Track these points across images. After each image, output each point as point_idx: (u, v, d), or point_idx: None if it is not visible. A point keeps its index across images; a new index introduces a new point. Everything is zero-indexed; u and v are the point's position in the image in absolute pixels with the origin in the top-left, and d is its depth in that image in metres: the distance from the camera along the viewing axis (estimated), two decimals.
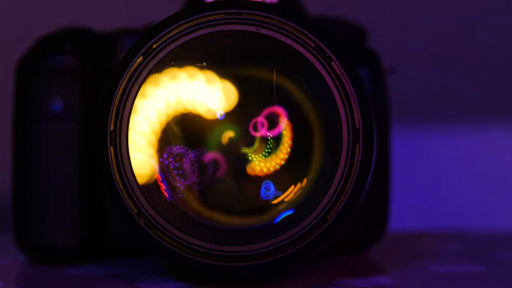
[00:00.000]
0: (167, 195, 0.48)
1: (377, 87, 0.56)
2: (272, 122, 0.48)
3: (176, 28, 0.47)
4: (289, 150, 0.48)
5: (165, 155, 0.48)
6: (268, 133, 0.48)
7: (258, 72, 0.49)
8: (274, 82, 0.48)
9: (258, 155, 0.48)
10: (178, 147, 0.48)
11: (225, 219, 0.49)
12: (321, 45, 0.46)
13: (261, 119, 0.48)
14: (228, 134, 0.48)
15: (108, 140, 0.46)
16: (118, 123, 0.46)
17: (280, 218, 0.47)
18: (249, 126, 0.48)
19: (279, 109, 0.48)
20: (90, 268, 0.54)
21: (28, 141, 0.54)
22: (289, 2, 0.55)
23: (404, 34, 0.93)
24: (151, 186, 0.47)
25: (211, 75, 0.48)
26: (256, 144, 0.48)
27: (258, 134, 0.48)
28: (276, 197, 0.48)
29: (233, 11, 0.46)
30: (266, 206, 0.49)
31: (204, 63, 0.48)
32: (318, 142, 0.48)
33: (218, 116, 0.48)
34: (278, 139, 0.48)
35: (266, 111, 0.48)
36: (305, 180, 0.48)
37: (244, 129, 0.48)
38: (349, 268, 0.54)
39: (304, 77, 0.48)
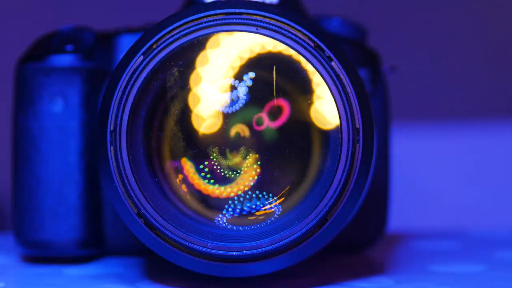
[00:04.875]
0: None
1: (377, 87, 0.56)
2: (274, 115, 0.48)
3: (176, 28, 0.47)
4: (258, 171, 0.48)
5: (158, 173, 0.48)
6: (270, 125, 0.48)
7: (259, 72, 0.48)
8: (274, 81, 0.48)
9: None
10: (176, 162, 0.48)
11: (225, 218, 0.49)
12: (321, 45, 0.46)
13: (263, 114, 0.48)
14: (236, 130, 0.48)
15: (108, 140, 0.46)
16: (118, 123, 0.46)
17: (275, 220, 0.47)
18: (252, 122, 0.48)
19: (281, 102, 0.48)
20: (90, 268, 0.54)
21: (28, 141, 0.54)
22: (289, 2, 0.55)
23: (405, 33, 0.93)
24: (151, 186, 0.47)
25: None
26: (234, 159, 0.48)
27: (261, 128, 0.48)
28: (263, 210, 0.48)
29: (233, 11, 0.46)
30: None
31: None
32: (318, 142, 0.48)
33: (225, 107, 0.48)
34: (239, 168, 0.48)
35: (268, 106, 0.48)
36: (304, 181, 0.48)
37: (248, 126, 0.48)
38: (349, 268, 0.54)
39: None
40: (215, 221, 0.48)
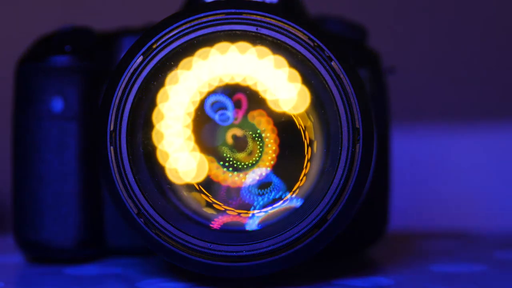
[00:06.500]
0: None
1: (377, 87, 0.56)
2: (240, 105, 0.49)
3: (176, 28, 0.47)
4: (274, 156, 0.48)
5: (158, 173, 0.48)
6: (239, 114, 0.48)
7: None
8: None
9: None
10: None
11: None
12: (321, 45, 0.46)
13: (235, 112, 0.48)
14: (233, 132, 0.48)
15: (108, 140, 0.46)
16: (118, 123, 0.46)
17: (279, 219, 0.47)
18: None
19: (240, 96, 0.48)
20: (90, 268, 0.54)
21: (28, 141, 0.54)
22: (289, 2, 0.55)
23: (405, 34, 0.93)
24: (151, 186, 0.47)
25: None
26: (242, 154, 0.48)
27: (237, 121, 0.48)
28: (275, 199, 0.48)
29: (233, 11, 0.46)
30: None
31: None
32: (318, 142, 0.48)
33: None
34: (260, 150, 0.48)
35: (234, 99, 0.48)
36: (304, 180, 0.48)
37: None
38: (349, 268, 0.54)
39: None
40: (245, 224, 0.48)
